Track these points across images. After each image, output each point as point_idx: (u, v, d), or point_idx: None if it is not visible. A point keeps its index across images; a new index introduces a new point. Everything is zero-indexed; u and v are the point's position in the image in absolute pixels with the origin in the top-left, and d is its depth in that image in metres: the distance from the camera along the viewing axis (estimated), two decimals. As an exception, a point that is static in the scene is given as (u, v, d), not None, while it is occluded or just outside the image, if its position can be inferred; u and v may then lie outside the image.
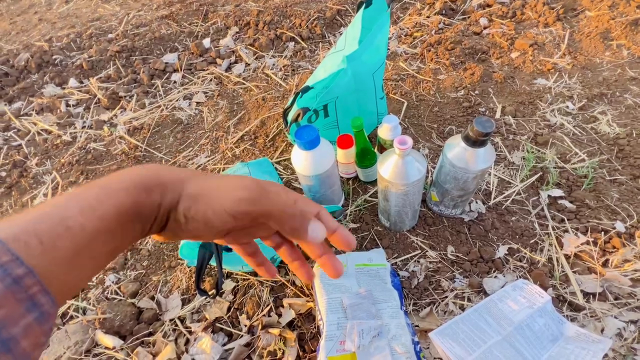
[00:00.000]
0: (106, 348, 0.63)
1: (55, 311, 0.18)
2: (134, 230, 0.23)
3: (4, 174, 1.03)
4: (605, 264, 0.63)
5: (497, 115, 0.91)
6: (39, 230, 0.18)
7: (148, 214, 0.23)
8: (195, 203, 0.24)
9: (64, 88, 1.27)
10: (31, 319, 0.16)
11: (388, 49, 1.16)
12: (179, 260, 0.75)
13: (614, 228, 0.66)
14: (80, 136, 1.10)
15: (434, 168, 0.80)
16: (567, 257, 0.65)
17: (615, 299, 0.59)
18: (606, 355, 0.52)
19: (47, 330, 0.18)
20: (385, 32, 0.71)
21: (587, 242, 0.66)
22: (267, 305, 0.64)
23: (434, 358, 0.55)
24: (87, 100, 1.21)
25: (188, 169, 0.26)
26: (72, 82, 1.28)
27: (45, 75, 1.32)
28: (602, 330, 0.55)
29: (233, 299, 0.67)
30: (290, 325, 0.62)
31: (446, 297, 0.62)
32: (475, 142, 0.53)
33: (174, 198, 0.24)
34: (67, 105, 1.21)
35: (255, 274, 0.69)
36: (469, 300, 0.62)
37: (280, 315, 0.63)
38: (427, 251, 0.68)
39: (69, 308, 0.70)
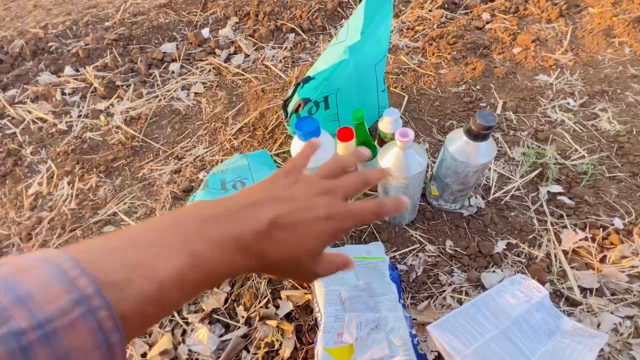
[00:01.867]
0: (102, 338, 0.63)
1: None
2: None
3: (-2, 162, 1.02)
4: (602, 260, 0.63)
5: (498, 111, 0.91)
6: (144, 313, 0.19)
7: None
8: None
9: (59, 76, 1.25)
10: None
11: (390, 42, 1.15)
12: (176, 251, 0.74)
13: (613, 225, 0.66)
14: (76, 125, 1.08)
15: (433, 163, 0.80)
16: (565, 252, 0.65)
17: (612, 294, 0.59)
18: (602, 349, 0.52)
19: None
20: (387, 23, 0.70)
21: (586, 238, 0.66)
22: (265, 297, 0.64)
23: (431, 351, 0.55)
24: (83, 89, 1.19)
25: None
26: (68, 70, 1.26)
27: (40, 63, 1.29)
28: (599, 325, 0.56)
29: (230, 290, 0.67)
30: (288, 317, 0.62)
31: (444, 291, 0.62)
32: (477, 135, 0.52)
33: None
34: (63, 93, 1.19)
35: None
36: (467, 294, 0.62)
37: (277, 307, 0.63)
38: (425, 245, 0.68)
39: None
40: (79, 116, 1.11)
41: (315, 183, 0.28)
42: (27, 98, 1.19)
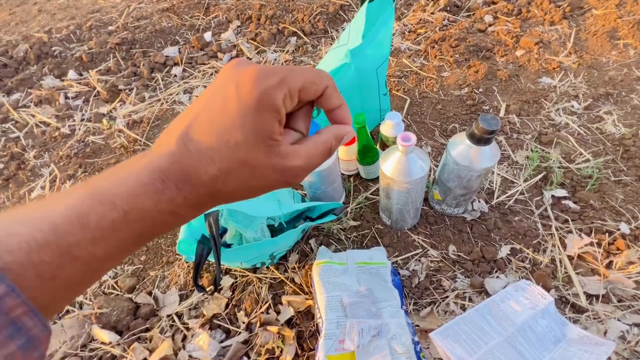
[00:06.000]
0: (102, 343, 0.63)
1: (48, 334, 0.16)
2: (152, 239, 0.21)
3: (1, 166, 1.02)
4: (609, 266, 0.62)
5: (501, 114, 0.90)
6: (36, 260, 0.15)
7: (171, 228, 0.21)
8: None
9: (63, 80, 1.26)
10: (15, 347, 0.14)
11: (392, 45, 1.15)
12: (177, 256, 0.74)
13: (619, 229, 0.65)
14: (79, 129, 1.08)
15: (436, 166, 0.79)
16: (570, 258, 0.64)
17: (619, 301, 0.58)
18: (609, 358, 0.51)
19: (38, 358, 0.15)
20: (389, 27, 0.70)
21: (591, 244, 0.65)
22: (266, 303, 0.64)
23: (434, 358, 0.55)
24: (86, 92, 1.20)
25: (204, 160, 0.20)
26: (72, 74, 1.26)
27: (44, 67, 1.30)
28: (605, 333, 0.55)
29: (231, 295, 0.66)
30: (289, 323, 0.61)
31: (447, 296, 0.61)
32: (480, 140, 0.52)
33: (202, 202, 0.21)
34: (66, 97, 1.20)
35: (254, 271, 0.68)
36: (470, 300, 0.61)
37: (278, 313, 0.62)
38: (428, 250, 0.67)
39: (65, 302, 0.69)
40: (82, 120, 1.12)
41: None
42: (31, 102, 1.20)
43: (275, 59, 1.21)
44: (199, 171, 0.19)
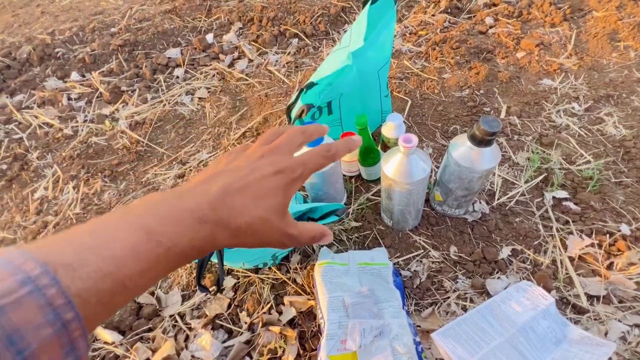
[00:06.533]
0: (105, 343, 0.63)
1: (87, 355, 0.19)
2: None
3: (4, 166, 1.03)
4: (610, 267, 0.62)
5: (502, 116, 0.90)
6: (101, 289, 0.18)
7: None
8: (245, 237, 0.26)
9: (65, 81, 1.27)
10: None
11: (393, 47, 1.15)
12: (179, 256, 0.74)
13: (619, 231, 0.66)
14: (82, 130, 1.09)
15: (437, 167, 0.80)
16: (571, 259, 0.64)
17: (620, 302, 0.58)
18: (610, 359, 0.51)
19: None
20: (391, 29, 0.70)
21: (592, 245, 0.65)
22: (268, 303, 0.64)
23: (436, 358, 0.55)
24: (89, 94, 1.21)
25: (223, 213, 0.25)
26: (74, 75, 1.27)
27: (47, 69, 1.31)
28: (606, 334, 0.55)
29: (233, 296, 0.66)
30: (291, 323, 0.62)
31: (448, 297, 0.62)
32: (482, 141, 0.52)
33: (225, 244, 0.26)
34: (69, 98, 1.20)
35: (256, 271, 0.69)
36: (472, 301, 0.61)
37: (280, 313, 0.62)
38: (429, 251, 0.67)
39: (68, 302, 0.70)
40: (85, 121, 1.12)
41: (254, 152, 0.29)
42: (34, 103, 1.21)
43: (277, 61, 1.22)
44: (229, 220, 0.24)
